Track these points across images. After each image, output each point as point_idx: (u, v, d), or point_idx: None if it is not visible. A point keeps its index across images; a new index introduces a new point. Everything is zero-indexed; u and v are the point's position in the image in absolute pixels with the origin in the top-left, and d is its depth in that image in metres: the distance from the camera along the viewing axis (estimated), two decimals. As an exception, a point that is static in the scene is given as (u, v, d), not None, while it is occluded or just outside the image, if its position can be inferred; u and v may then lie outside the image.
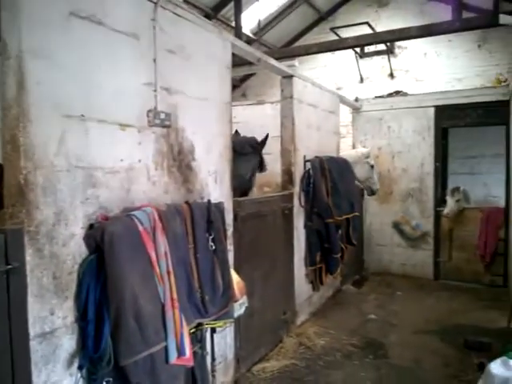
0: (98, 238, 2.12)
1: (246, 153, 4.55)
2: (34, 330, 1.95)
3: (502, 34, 8.12)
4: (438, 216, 7.19)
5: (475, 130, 8.10)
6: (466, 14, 6.15)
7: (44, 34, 2.01)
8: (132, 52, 2.50)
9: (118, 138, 2.40)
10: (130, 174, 2.48)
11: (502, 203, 7.14)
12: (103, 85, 2.31)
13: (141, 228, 2.23)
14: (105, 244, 2.10)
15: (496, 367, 2.92)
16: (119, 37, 2.41)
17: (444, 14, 6.87)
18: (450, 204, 6.89)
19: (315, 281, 5.40)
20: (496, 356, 3.03)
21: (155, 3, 2.66)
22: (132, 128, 2.49)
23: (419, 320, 5.33)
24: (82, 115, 2.18)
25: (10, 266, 1.81)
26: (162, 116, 2.68)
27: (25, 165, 1.93)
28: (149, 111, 2.60)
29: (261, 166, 4.81)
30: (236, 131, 4.87)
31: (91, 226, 2.21)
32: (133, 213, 2.28)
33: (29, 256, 1.92)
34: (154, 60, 2.65)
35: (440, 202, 7.23)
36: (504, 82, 7.55)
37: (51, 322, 2.04)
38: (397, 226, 7.52)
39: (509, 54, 8.06)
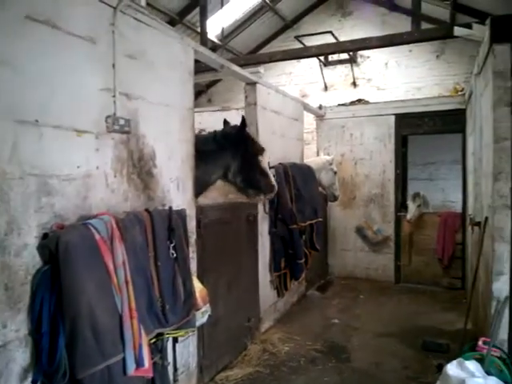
0: (53, 247, 2.06)
1: (209, 150, 3.95)
2: (-18, 344, 1.86)
3: (459, 45, 8.49)
4: (398, 221, 7.41)
5: (434, 138, 8.43)
6: (425, 26, 6.41)
7: (-5, 38, 1.94)
8: (89, 57, 2.45)
9: (75, 144, 2.34)
10: (88, 181, 2.42)
11: (459, 208, 7.45)
12: (59, 90, 2.25)
13: (97, 237, 2.18)
14: (59, 254, 2.04)
15: (452, 368, 3.02)
16: (76, 41, 2.35)
17: (405, 25, 7.14)
18: (412, 209, 7.11)
19: (280, 287, 5.43)
20: (454, 357, 3.14)
21: (114, 8, 2.62)
22: (89, 134, 2.43)
23: (380, 323, 5.45)
24: (37, 120, 2.11)
25: (-45, 279, 1.72)
26: (122, 122, 2.63)
27: (-27, 172, 1.85)
28: (107, 117, 2.55)
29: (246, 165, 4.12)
30: (225, 120, 4.31)
31: (45, 236, 2.13)
32: (89, 221, 2.23)
33: (-23, 268, 1.84)
34: (113, 65, 2.60)
35: (400, 207, 7.45)
36: (461, 91, 7.89)
37: (3, 335, 1.96)
38: (360, 230, 7.68)
39: (466, 64, 8.43)
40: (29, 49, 2.09)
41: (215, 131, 4.17)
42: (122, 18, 2.69)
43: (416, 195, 7.19)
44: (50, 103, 2.20)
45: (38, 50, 2.15)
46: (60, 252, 2.04)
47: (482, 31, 4.38)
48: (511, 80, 3.49)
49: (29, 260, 2.07)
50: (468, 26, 5.30)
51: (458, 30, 5.37)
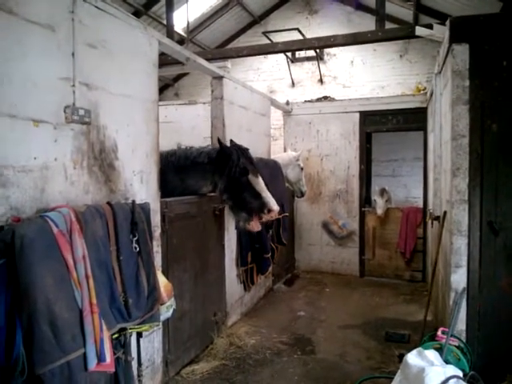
0: (8, 240, 1.98)
1: (199, 163, 4.17)
2: None
3: (421, 46, 8.76)
4: (362, 216, 7.57)
5: (397, 135, 8.66)
6: (389, 25, 6.56)
7: None
8: (47, 44, 2.37)
9: (31, 134, 2.26)
10: (45, 172, 2.34)
11: (420, 203, 7.69)
12: (14, 78, 2.16)
13: (56, 230, 2.11)
14: (15, 248, 1.96)
15: (412, 358, 3.11)
16: (32, 28, 2.27)
17: (370, 24, 7.29)
18: (381, 204, 7.26)
19: (246, 281, 5.45)
20: (415, 347, 3.23)
21: (74, -5, 2.54)
22: (47, 124, 2.35)
23: (345, 315, 5.57)
24: (-11, 109, 2.03)
25: None
26: (81, 112, 2.56)
27: None
28: (66, 107, 2.47)
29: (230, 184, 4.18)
30: (218, 139, 4.31)
31: (1, 229, 2.05)
32: (47, 214, 2.16)
33: None
34: (73, 54, 2.53)
35: (365, 202, 7.62)
36: (423, 90, 8.14)
37: (-47, 333, 1.87)
38: (325, 225, 7.81)
39: (428, 64, 8.70)
40: (-19, 34, 2.00)
41: (206, 147, 4.34)
42: (82, 6, 2.62)
43: (383, 190, 7.36)
44: (4, 91, 2.11)
45: (-8, 35, 2.06)
46: (16, 246, 1.96)
47: (442, 31, 4.53)
48: (469, 79, 3.61)
49: (-18, 254, 1.99)
50: (429, 26, 5.48)
51: (419, 30, 5.54)
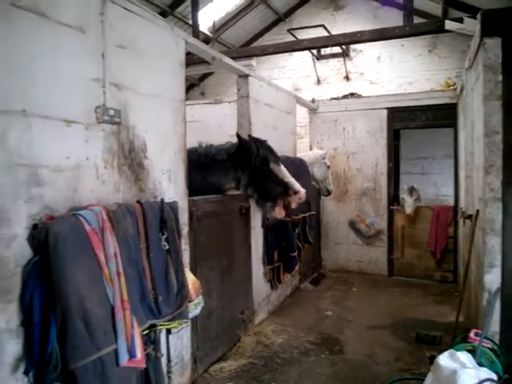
0: (42, 238, 2.04)
1: (219, 159, 4.18)
2: (-26, 335, 1.84)
3: (450, 40, 8.52)
4: (391, 214, 7.44)
5: (426, 132, 8.45)
6: (417, 20, 6.41)
7: (-19, 26, 1.90)
8: (78, 46, 2.42)
9: (64, 134, 2.31)
10: (77, 172, 2.40)
11: (451, 202, 7.49)
12: (47, 79, 2.22)
13: (88, 228, 2.16)
14: (49, 245, 2.02)
15: (444, 359, 3.03)
16: (64, 30, 2.32)
17: (396, 19, 7.14)
18: (410, 203, 7.12)
19: (273, 279, 5.44)
20: (446, 349, 3.15)
21: (104, -3, 2.59)
22: (79, 124, 2.41)
23: (373, 315, 5.48)
24: (24, 110, 2.08)
25: None
26: (112, 113, 2.60)
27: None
28: (97, 107, 2.52)
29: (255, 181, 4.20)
30: (237, 134, 4.31)
31: (35, 227, 2.11)
32: (79, 212, 2.21)
33: (-33, 257, 1.82)
34: (103, 55, 2.57)
35: (393, 200, 7.48)
36: (452, 85, 7.92)
37: (-6, 327, 1.94)
38: (352, 224, 7.71)
39: (457, 59, 8.45)
40: (15, 38, 2.06)
41: (225, 144, 4.30)
42: (111, 8, 2.66)
43: (412, 189, 7.20)
44: (38, 93, 2.17)
45: (26, 39, 2.11)
46: (50, 243, 2.02)
47: (473, 25, 4.39)
48: (502, 74, 3.50)
49: (18, 251, 2.05)
50: (459, 20, 5.32)
51: (449, 24, 5.38)
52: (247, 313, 4.75)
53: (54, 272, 2.02)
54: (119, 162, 2.73)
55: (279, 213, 4.38)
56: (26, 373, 2.07)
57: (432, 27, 5.78)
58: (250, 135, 4.52)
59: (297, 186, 4.20)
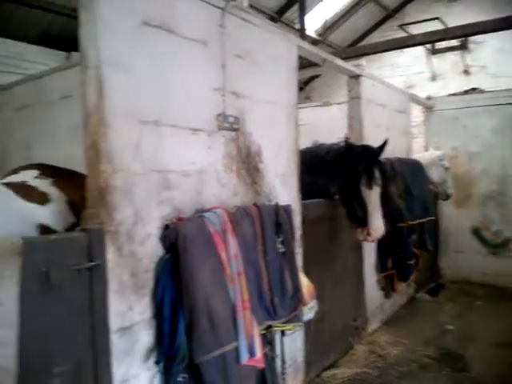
0: (173, 239, 2.20)
1: (327, 160, 3.94)
2: (114, 324, 2.05)
3: None
4: (522, 221, 6.62)
5: None
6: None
7: (119, 44, 2.11)
8: (201, 58, 2.58)
9: (190, 141, 2.48)
10: (202, 176, 2.55)
11: None
12: (175, 91, 2.40)
13: (212, 229, 2.28)
14: (179, 245, 2.17)
15: None
16: (189, 44, 2.49)
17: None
18: None
19: (387, 288, 5.19)
20: None
21: (223, 9, 2.72)
22: (202, 132, 2.56)
23: (500, 332, 4.90)
24: (157, 121, 2.28)
25: (93, 263, 1.92)
26: (231, 120, 2.72)
27: (105, 169, 2.04)
28: (218, 115, 2.65)
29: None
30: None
31: (166, 227, 2.29)
32: (204, 214, 2.34)
33: (110, 254, 2.03)
34: (223, 65, 2.70)
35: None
36: None
37: (130, 318, 2.13)
38: (476, 231, 7.01)
39: None
40: (147, 53, 2.25)
41: (337, 144, 4.05)
42: (229, 19, 2.79)
43: None
44: (167, 104, 2.36)
45: (156, 54, 2.30)
46: (179, 244, 2.17)
47: None
48: None
49: (151, 249, 2.24)
50: None
51: None
52: (360, 320, 4.60)
53: (182, 271, 2.16)
54: (237, 166, 2.84)
55: (362, 237, 3.89)
56: (156, 363, 2.24)
57: None
58: (363, 145, 4.11)
59: (375, 224, 3.64)
